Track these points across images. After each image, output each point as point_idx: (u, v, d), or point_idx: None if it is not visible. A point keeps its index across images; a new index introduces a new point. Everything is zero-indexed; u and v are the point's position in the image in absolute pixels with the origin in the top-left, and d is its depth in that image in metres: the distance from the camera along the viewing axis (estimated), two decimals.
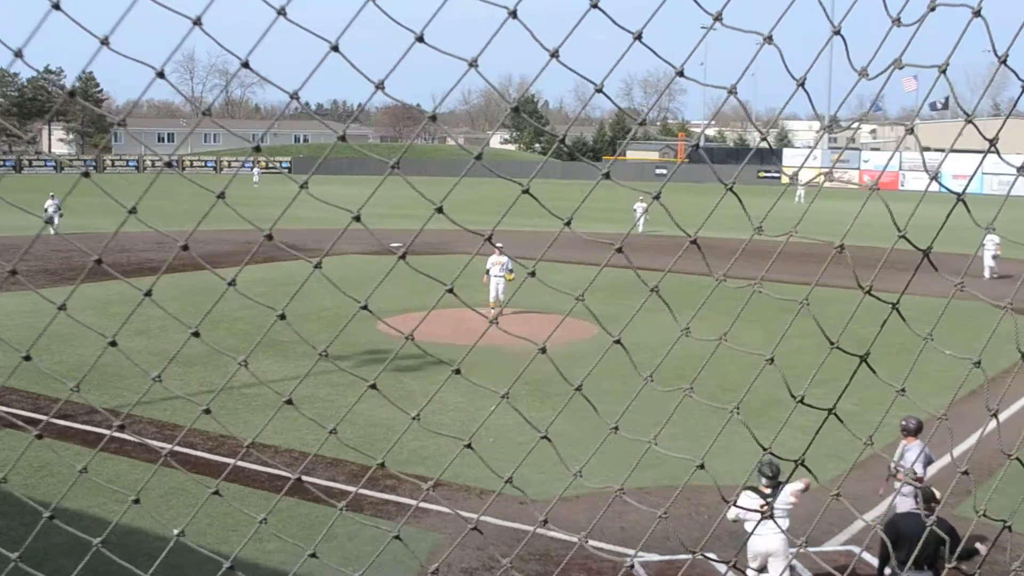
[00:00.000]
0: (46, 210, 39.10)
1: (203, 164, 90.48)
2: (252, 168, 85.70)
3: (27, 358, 1.91)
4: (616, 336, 2.15)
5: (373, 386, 2.03)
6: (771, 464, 9.67)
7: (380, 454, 13.72)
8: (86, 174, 1.94)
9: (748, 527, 9.41)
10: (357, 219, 1.92)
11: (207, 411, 2.07)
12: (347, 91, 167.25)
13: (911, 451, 10.94)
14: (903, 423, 11.08)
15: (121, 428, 2.00)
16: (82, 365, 18.56)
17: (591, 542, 11.11)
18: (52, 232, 39.12)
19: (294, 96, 1.87)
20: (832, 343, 2.22)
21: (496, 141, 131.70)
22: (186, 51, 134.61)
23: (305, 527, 11.46)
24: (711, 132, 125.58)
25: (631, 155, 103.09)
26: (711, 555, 10.86)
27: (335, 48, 1.77)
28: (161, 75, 1.88)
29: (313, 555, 1.97)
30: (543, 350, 2.09)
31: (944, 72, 2.16)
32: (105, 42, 1.77)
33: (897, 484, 10.93)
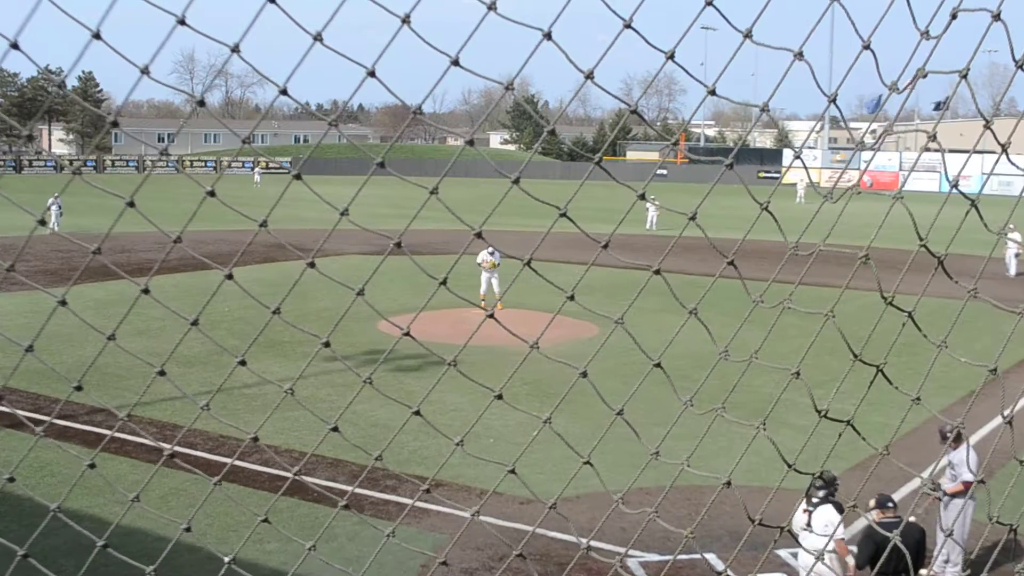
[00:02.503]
0: (48, 209, 39.19)
1: (203, 164, 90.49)
2: (253, 168, 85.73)
3: (79, 388, 1.92)
4: (656, 360, 2.15)
5: (417, 412, 2.04)
6: (824, 473, 9.48)
7: (382, 454, 13.74)
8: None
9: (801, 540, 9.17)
10: (398, 245, 1.95)
11: (262, 433, 2.06)
12: (347, 91, 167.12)
13: (962, 454, 10.75)
14: (955, 430, 10.92)
15: (172, 456, 2.00)
16: (81, 365, 18.54)
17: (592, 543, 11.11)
18: (49, 231, 39.09)
19: (332, 124, 1.88)
20: (855, 355, 2.22)
21: (496, 141, 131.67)
22: (185, 51, 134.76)
23: (305, 527, 11.46)
24: (711, 133, 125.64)
25: (631, 155, 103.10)
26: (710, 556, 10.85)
27: (372, 74, 1.78)
28: (202, 103, 1.89)
29: (313, 547, 1.98)
30: (584, 374, 2.10)
31: (965, 77, 2.16)
32: (145, 71, 1.77)
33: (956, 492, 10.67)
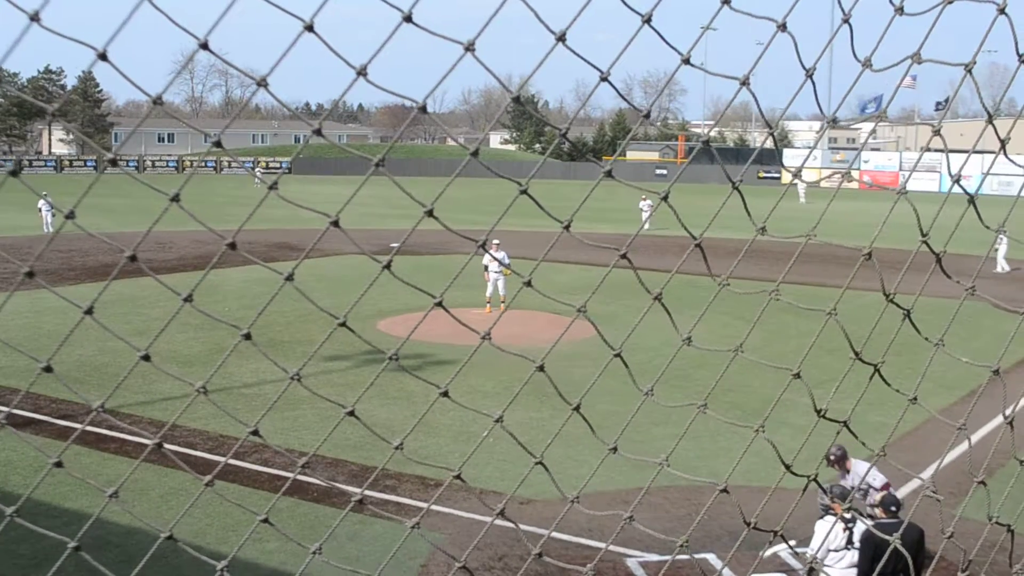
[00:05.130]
0: (39, 210, 39.11)
1: (203, 164, 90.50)
2: (253, 168, 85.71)
3: (48, 369, 1.89)
4: (617, 350, 2.14)
5: (351, 413, 2.01)
6: (842, 487, 9.24)
7: (380, 453, 13.72)
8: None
9: (829, 560, 8.82)
10: (335, 224, 1.89)
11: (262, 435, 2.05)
12: (347, 92, 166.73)
13: (862, 469, 10.01)
14: (834, 455, 9.94)
15: (159, 446, 1.97)
16: (82, 365, 18.56)
17: (584, 540, 11.11)
18: (47, 231, 39.21)
19: (261, 84, 1.78)
20: (856, 354, 2.21)
21: (496, 141, 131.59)
22: (186, 51, 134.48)
23: (305, 527, 11.46)
24: (712, 132, 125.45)
25: (631, 155, 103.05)
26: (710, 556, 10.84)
27: (309, 28, 1.72)
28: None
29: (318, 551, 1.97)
30: (541, 368, 2.07)
31: (970, 71, 2.14)
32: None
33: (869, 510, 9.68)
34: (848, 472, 10.16)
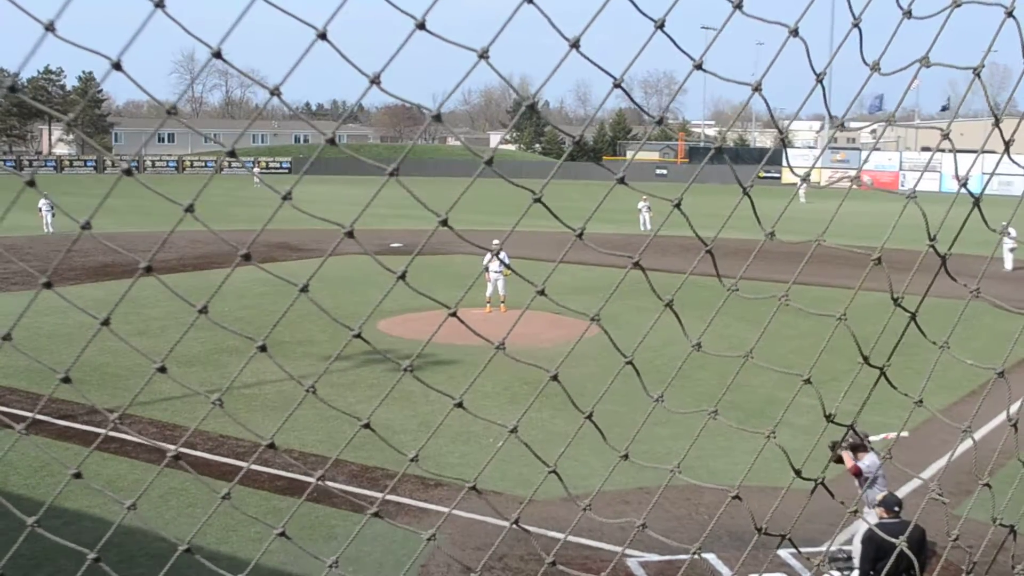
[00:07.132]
0: (40, 210, 39.14)
1: (203, 164, 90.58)
2: (253, 168, 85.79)
3: (67, 380, 1.88)
4: (628, 357, 2.14)
5: (367, 425, 2.01)
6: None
7: (380, 452, 13.72)
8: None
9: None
10: (350, 234, 1.89)
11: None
12: (348, 91, 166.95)
13: (869, 461, 10.08)
14: (850, 443, 9.70)
15: (177, 458, 1.97)
16: (81, 365, 18.54)
17: (584, 540, 11.11)
18: (48, 231, 39.29)
19: (274, 92, 1.78)
20: (865, 359, 2.21)
21: (495, 141, 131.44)
22: (186, 51, 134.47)
23: (305, 527, 11.46)
24: (711, 132, 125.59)
25: (631, 155, 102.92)
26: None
27: (323, 36, 1.72)
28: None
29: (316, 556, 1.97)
30: (555, 377, 2.07)
31: (979, 75, 2.14)
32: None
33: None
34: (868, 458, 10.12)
